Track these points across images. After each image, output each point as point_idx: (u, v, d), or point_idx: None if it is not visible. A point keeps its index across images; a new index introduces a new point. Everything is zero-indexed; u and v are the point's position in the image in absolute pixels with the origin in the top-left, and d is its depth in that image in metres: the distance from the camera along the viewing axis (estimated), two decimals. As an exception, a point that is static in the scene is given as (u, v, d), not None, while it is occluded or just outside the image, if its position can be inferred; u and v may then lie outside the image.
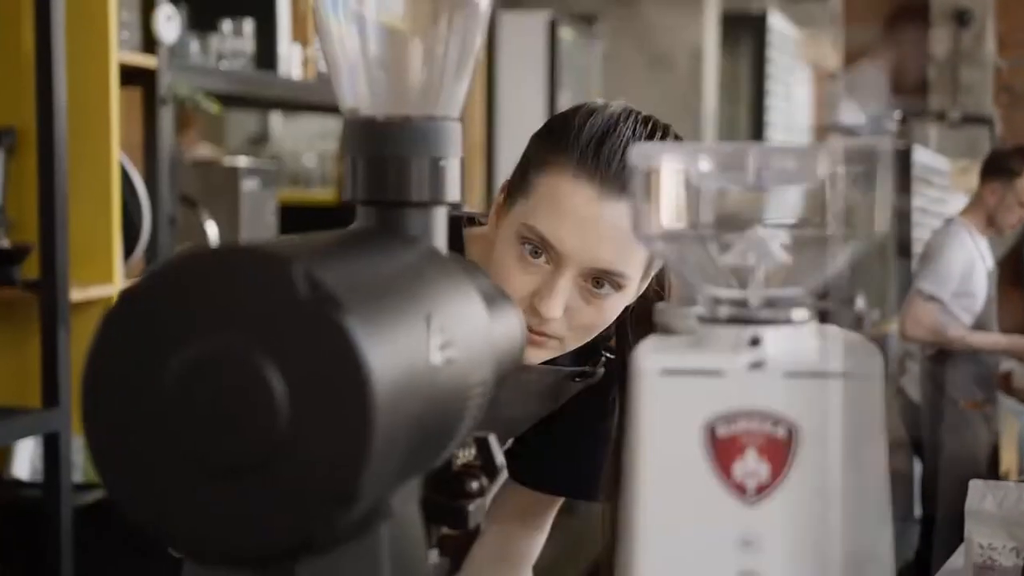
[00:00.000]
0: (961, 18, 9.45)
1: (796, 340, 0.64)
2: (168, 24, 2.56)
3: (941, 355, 4.37)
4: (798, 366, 0.62)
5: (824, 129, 7.59)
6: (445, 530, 0.77)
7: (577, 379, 1.38)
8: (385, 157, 0.73)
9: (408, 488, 0.69)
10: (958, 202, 8.03)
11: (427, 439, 0.65)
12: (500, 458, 0.81)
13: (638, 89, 5.86)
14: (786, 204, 0.65)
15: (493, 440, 0.80)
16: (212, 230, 2.96)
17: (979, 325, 4.36)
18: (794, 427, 0.62)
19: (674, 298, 1.37)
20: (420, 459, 0.66)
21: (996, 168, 4.35)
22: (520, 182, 1.24)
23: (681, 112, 5.84)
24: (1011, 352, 4.45)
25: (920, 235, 7.16)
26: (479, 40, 0.76)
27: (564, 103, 6.29)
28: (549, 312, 1.20)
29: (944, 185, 7.51)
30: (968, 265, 4.23)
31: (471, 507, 0.79)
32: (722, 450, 0.62)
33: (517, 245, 1.22)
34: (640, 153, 0.65)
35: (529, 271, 1.21)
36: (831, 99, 8.98)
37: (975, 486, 1.73)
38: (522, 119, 4.88)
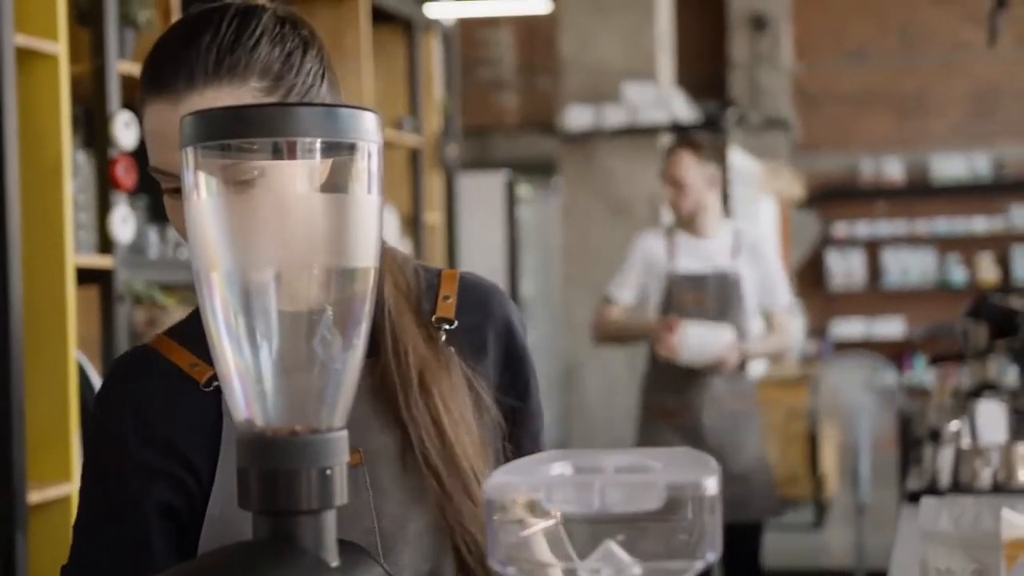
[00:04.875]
0: (758, 23, 9.50)
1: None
2: (123, 225, 2.63)
3: (651, 365, 4.20)
4: None
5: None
6: None
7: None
8: (276, 470, 0.79)
9: None
10: (767, 202, 8.11)
11: None
12: None
13: (599, 236, 5.96)
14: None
15: None
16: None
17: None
18: None
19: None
20: None
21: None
22: None
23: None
24: (646, 331, 4.17)
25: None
26: (360, 353, 0.82)
27: (525, 256, 6.40)
28: None
29: (755, 185, 7.64)
30: (646, 266, 4.18)
31: None
32: None
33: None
34: (494, 485, 0.71)
35: (179, 205, 1.15)
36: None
37: (928, 504, 1.54)
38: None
